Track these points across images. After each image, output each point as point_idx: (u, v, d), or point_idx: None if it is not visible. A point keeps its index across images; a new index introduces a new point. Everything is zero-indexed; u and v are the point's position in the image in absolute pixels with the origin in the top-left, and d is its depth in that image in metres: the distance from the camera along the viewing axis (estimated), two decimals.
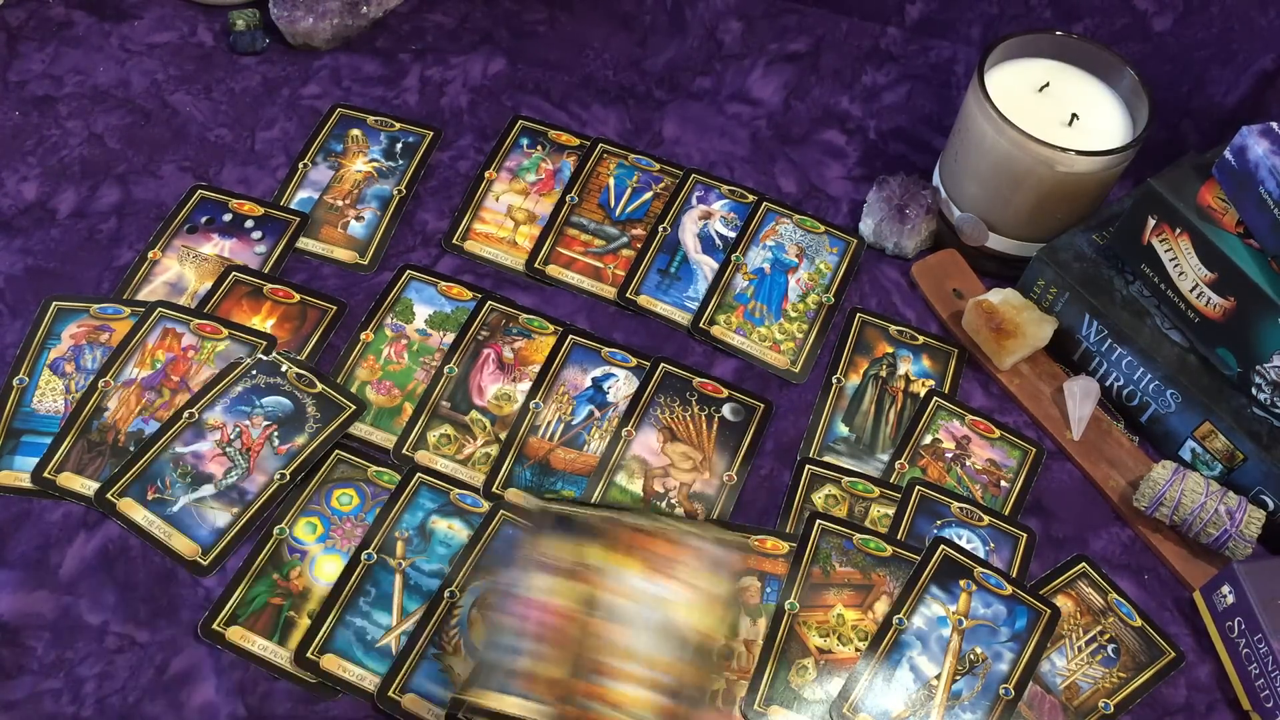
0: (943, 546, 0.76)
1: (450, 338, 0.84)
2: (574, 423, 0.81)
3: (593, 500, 0.77)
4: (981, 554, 0.77)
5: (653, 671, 0.62)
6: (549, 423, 0.81)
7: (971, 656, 0.72)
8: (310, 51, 1.00)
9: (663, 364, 0.84)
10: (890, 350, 0.86)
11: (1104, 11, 0.96)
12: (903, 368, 0.85)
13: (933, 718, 0.70)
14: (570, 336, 0.84)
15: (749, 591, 0.74)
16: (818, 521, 0.76)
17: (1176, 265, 0.78)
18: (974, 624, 0.74)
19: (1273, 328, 0.74)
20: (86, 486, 0.75)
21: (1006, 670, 0.72)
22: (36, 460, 0.76)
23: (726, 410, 0.82)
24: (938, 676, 0.72)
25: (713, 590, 0.65)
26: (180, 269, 0.86)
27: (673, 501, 0.78)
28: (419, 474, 0.78)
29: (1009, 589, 0.75)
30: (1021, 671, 0.72)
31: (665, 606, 0.63)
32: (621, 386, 0.83)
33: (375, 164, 0.93)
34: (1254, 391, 0.77)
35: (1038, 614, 0.74)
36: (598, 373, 0.83)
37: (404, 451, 0.79)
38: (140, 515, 0.74)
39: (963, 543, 0.77)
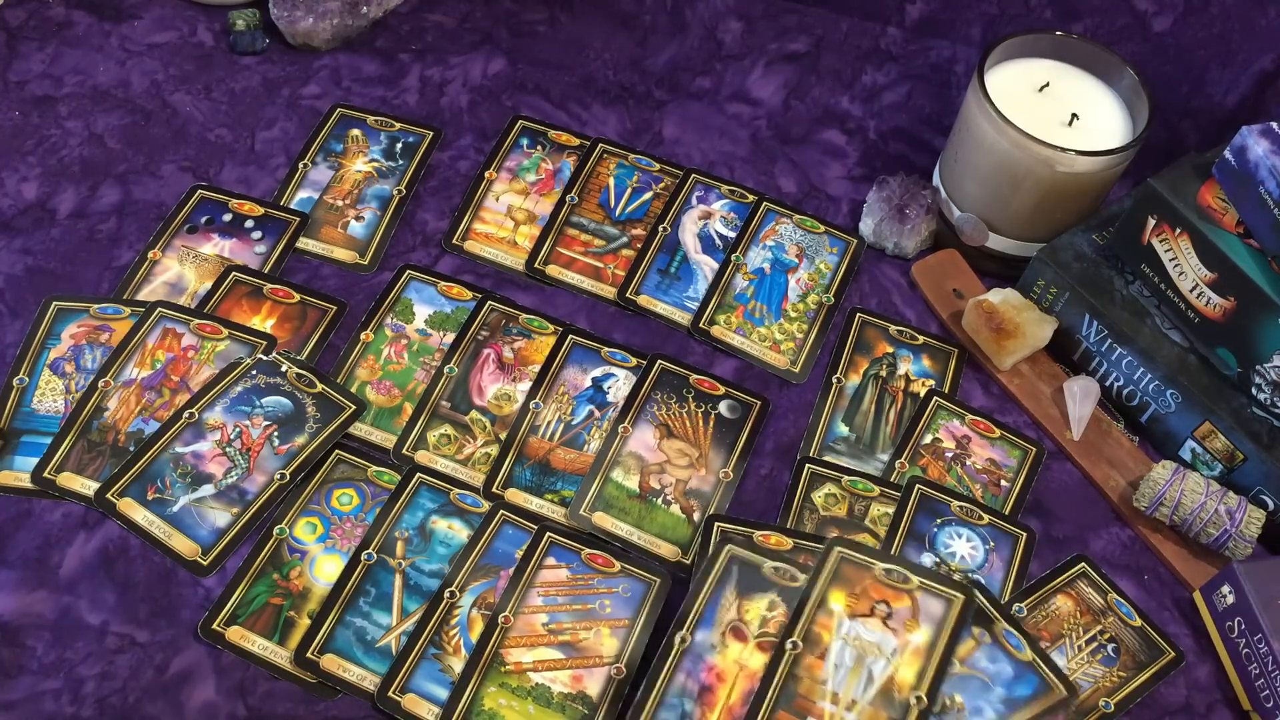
0: (918, 486, 0.76)
1: (450, 338, 0.84)
2: (574, 423, 0.81)
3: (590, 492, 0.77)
4: (981, 553, 0.77)
5: (849, 714, 0.65)
6: (549, 423, 0.81)
7: (945, 701, 0.69)
8: (310, 51, 1.00)
9: (660, 360, 0.84)
10: (890, 350, 0.86)
11: (1104, 11, 0.96)
12: (903, 367, 0.85)
13: None
14: (570, 336, 0.84)
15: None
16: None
17: (1176, 265, 0.78)
18: (966, 672, 0.70)
19: (1273, 328, 0.74)
20: (86, 486, 0.75)
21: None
22: (36, 460, 0.76)
23: (723, 407, 0.82)
24: None
25: (919, 642, 0.68)
26: (180, 269, 0.86)
27: (669, 498, 0.78)
28: (419, 474, 0.78)
29: (1029, 655, 0.70)
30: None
31: (876, 652, 0.67)
32: (621, 387, 0.83)
33: (375, 164, 0.93)
34: (1254, 391, 0.77)
35: (1048, 688, 0.70)
36: (598, 373, 0.83)
37: (404, 451, 0.79)
38: (140, 515, 0.74)
39: (962, 541, 0.77)
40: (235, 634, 0.71)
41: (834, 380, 0.84)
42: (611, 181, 0.94)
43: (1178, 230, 0.77)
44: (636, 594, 0.74)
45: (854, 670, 0.67)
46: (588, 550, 0.75)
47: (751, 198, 0.93)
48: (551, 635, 0.72)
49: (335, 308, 0.85)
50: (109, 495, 0.75)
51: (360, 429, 0.80)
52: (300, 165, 0.92)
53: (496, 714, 0.69)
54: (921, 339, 0.87)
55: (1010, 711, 0.68)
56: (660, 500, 0.78)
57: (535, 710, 0.69)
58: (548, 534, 0.75)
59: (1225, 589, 0.74)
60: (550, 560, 0.75)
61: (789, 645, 0.69)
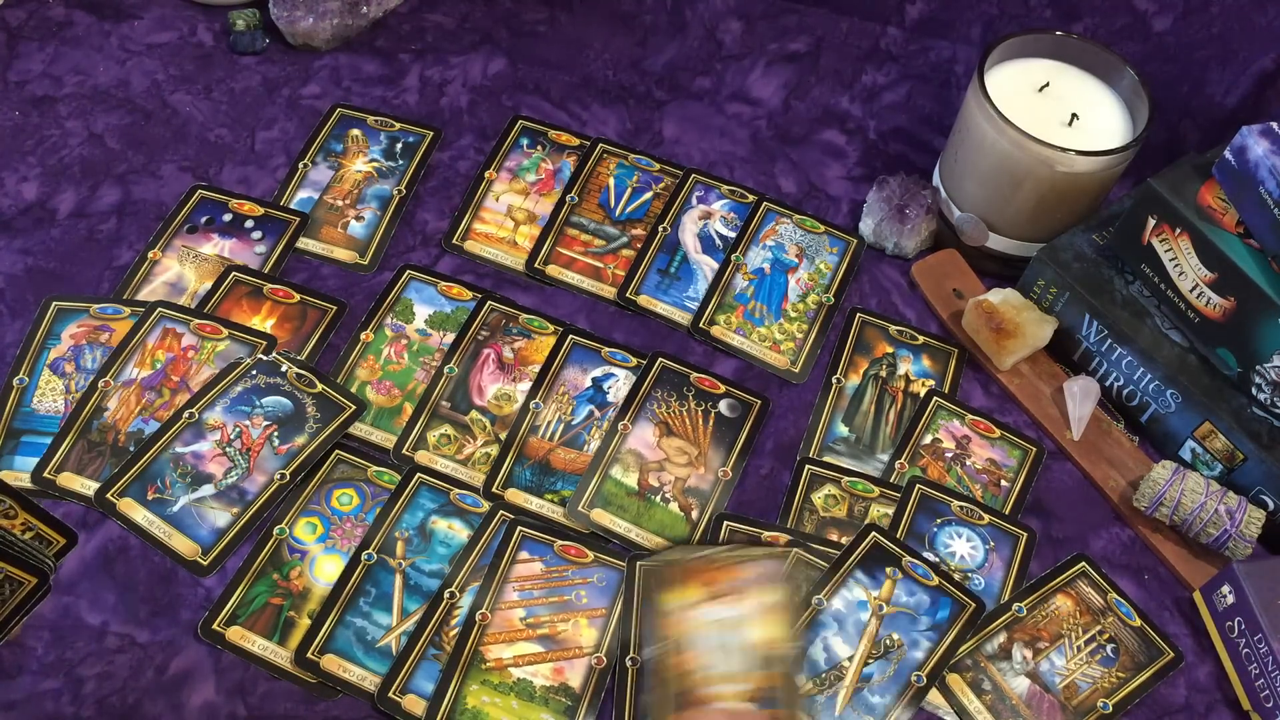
0: (873, 533, 0.76)
1: (450, 338, 0.84)
2: (574, 423, 0.81)
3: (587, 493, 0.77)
4: (981, 553, 0.77)
5: (739, 685, 0.69)
6: (549, 423, 0.81)
7: (887, 642, 0.73)
8: (310, 51, 1.00)
9: (660, 359, 0.84)
10: (890, 350, 0.86)
11: (1104, 11, 0.96)
12: (903, 368, 0.85)
13: (840, 697, 0.71)
14: (570, 336, 0.84)
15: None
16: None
17: (1176, 265, 0.78)
18: (894, 610, 0.74)
19: (1273, 328, 0.74)
20: (86, 486, 0.75)
21: (921, 658, 0.73)
22: (36, 460, 0.76)
23: (723, 406, 0.82)
24: (850, 658, 0.72)
25: (770, 600, 0.72)
26: (180, 269, 0.86)
27: (668, 496, 0.78)
28: (419, 474, 0.78)
29: (935, 580, 0.75)
30: (936, 661, 0.72)
31: (735, 626, 0.71)
32: (622, 387, 0.83)
33: (375, 164, 0.93)
34: (1254, 391, 0.77)
35: (961, 606, 0.74)
36: (598, 373, 0.83)
37: (404, 451, 0.79)
38: (140, 515, 0.74)
39: (963, 541, 0.77)
40: (235, 634, 0.71)
41: (834, 380, 0.84)
42: (611, 181, 0.94)
43: (1178, 230, 0.77)
44: (611, 582, 0.74)
45: (721, 650, 0.71)
46: (560, 542, 0.75)
47: (751, 198, 0.93)
48: (530, 629, 0.72)
49: (335, 308, 0.85)
50: (109, 495, 0.75)
51: (360, 429, 0.80)
52: (300, 165, 0.92)
53: (480, 712, 0.69)
54: (921, 339, 0.87)
55: (940, 637, 0.73)
56: (659, 498, 0.78)
57: (519, 705, 0.69)
58: (519, 528, 0.75)
59: (1225, 589, 0.74)
60: (523, 554, 0.75)
61: (629, 662, 0.71)
